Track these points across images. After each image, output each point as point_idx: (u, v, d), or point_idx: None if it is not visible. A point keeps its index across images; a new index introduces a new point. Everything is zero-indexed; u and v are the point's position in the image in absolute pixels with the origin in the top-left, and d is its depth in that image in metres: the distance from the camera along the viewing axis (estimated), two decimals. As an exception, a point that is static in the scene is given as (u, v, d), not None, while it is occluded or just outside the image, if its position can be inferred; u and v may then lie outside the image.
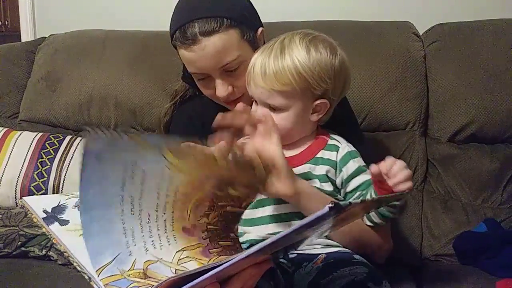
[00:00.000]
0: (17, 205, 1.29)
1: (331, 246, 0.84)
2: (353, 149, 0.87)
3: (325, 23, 1.42)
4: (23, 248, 1.13)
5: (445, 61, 1.33)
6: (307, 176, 0.84)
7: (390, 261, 0.95)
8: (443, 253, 1.20)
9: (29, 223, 1.17)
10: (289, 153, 0.85)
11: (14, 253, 1.13)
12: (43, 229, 0.65)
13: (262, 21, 0.99)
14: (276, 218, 0.83)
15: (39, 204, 0.69)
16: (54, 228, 0.65)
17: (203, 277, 0.51)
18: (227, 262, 0.50)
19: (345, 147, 0.87)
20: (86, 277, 0.59)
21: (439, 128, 1.32)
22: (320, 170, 0.85)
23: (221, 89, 0.89)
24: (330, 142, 0.87)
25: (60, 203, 0.71)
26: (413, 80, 1.32)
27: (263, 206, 0.84)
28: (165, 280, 0.55)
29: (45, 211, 0.68)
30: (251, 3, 0.96)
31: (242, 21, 0.88)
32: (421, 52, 1.35)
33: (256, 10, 0.96)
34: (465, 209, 1.24)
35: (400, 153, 1.30)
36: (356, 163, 0.85)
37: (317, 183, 0.84)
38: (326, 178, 0.84)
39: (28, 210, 0.68)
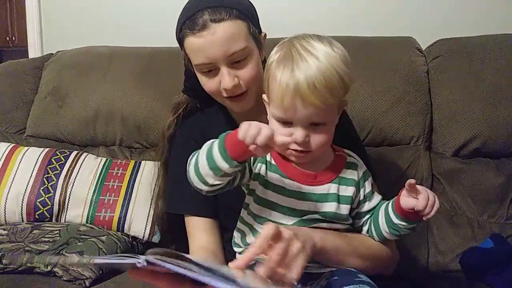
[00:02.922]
0: (23, 221, 1.30)
1: None
2: (365, 167, 0.88)
3: (329, 39, 1.44)
4: (28, 264, 1.13)
5: (448, 76, 1.34)
6: (330, 198, 0.82)
7: (396, 277, 0.95)
8: (449, 269, 1.20)
9: (35, 239, 1.17)
10: (314, 169, 0.82)
11: (19, 269, 1.13)
12: None
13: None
14: None
15: None
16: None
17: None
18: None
19: (362, 165, 0.87)
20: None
21: (444, 142, 1.32)
22: (347, 191, 0.83)
23: (227, 80, 0.88)
24: (349, 159, 0.86)
25: None
26: (416, 95, 1.33)
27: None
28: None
29: None
30: (255, 8, 0.98)
31: (249, 16, 0.90)
32: (424, 67, 1.36)
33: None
34: (471, 224, 1.24)
35: (405, 168, 1.30)
36: (370, 183, 0.86)
37: (332, 206, 0.81)
38: (350, 200, 0.83)
39: None
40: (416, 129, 1.32)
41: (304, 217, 0.80)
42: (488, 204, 1.24)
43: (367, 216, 0.86)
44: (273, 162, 0.83)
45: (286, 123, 0.77)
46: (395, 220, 0.80)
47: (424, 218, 0.76)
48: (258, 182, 0.82)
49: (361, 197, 0.85)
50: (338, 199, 0.82)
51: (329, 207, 0.81)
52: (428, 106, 1.34)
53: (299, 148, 0.77)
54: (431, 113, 1.34)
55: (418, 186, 0.76)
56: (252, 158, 0.81)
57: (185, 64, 1.00)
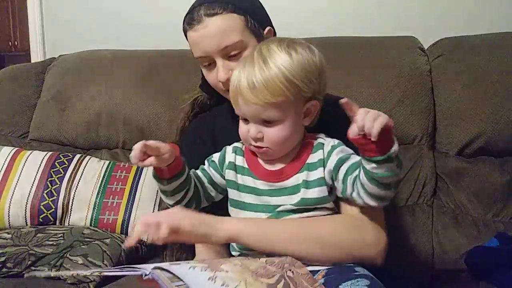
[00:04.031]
0: (27, 224, 1.30)
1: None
2: (337, 141, 0.84)
3: (331, 39, 1.44)
4: (32, 268, 1.13)
5: (451, 75, 1.34)
6: (300, 187, 0.81)
7: (401, 277, 0.95)
8: (454, 269, 1.19)
9: (39, 242, 1.17)
10: (279, 165, 0.83)
11: (23, 272, 1.13)
12: None
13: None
14: None
15: None
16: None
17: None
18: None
19: (329, 142, 0.84)
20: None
21: (447, 142, 1.31)
22: (315, 174, 0.82)
23: (221, 72, 0.90)
24: (315, 142, 0.85)
25: None
26: (419, 94, 1.33)
27: None
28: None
29: None
30: (261, 3, 0.99)
31: (247, 11, 0.91)
32: (426, 67, 1.36)
33: (265, 11, 0.99)
34: (476, 223, 1.23)
35: (409, 167, 1.29)
36: (339, 152, 0.82)
37: (300, 194, 0.81)
38: (320, 182, 0.81)
39: None
40: (419, 129, 1.32)
41: (278, 209, 0.82)
42: (493, 202, 1.24)
43: (348, 177, 0.79)
44: (245, 165, 0.86)
45: (246, 120, 0.81)
46: (366, 164, 0.73)
47: (372, 138, 0.68)
48: (230, 188, 0.86)
49: (332, 167, 0.81)
50: (307, 185, 0.81)
51: (298, 196, 0.81)
52: (431, 105, 1.33)
53: (256, 144, 0.81)
54: (434, 112, 1.33)
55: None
56: (219, 166, 0.87)
57: None
